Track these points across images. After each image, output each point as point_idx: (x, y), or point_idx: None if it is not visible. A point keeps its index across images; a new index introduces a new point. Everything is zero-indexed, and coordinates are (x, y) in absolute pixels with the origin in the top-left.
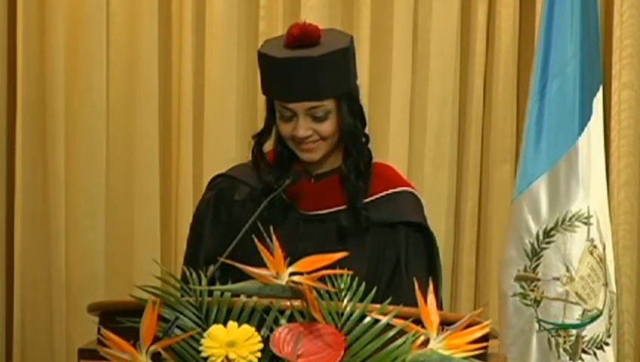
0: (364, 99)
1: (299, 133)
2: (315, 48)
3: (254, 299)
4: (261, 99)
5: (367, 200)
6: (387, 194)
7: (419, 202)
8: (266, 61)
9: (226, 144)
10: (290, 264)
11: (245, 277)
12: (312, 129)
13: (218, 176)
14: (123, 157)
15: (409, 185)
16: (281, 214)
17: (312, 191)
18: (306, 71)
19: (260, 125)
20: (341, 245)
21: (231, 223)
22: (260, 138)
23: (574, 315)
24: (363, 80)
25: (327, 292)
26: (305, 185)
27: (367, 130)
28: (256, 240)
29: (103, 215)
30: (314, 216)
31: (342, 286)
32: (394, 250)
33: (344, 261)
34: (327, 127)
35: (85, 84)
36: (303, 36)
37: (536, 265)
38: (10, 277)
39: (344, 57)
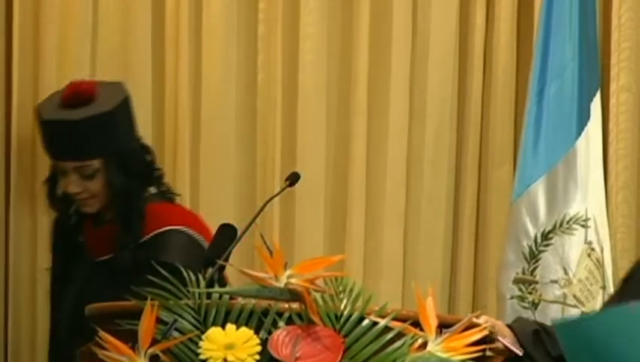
0: (361, 103)
1: (69, 189)
2: (81, 110)
3: (252, 301)
4: (260, 101)
5: (141, 240)
6: (154, 236)
7: (179, 239)
8: (37, 119)
9: (225, 144)
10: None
11: None
12: (82, 186)
13: None
14: None
15: (178, 224)
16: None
17: (96, 238)
18: (67, 132)
19: (260, 128)
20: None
21: None
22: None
23: None
24: (362, 82)
25: (326, 294)
26: (89, 232)
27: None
28: None
29: None
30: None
31: (340, 288)
32: None
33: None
34: (95, 185)
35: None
36: (74, 96)
37: (535, 268)
38: (6, 277)
39: (110, 120)
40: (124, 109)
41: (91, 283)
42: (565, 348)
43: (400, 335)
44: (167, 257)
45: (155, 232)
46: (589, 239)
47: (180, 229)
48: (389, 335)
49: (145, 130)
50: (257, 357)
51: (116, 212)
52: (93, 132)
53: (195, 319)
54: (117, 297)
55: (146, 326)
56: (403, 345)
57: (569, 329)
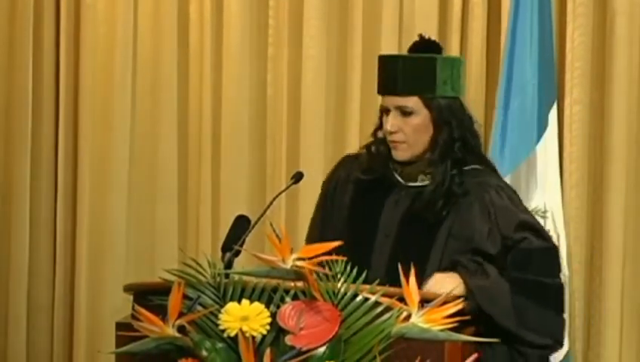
0: (355, 112)
1: None
2: None
3: (264, 280)
4: (269, 112)
5: None
6: None
7: None
8: None
9: (240, 148)
10: None
11: None
12: None
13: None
14: (144, 173)
15: None
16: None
17: None
18: None
19: (269, 134)
20: None
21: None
22: None
23: None
24: (355, 95)
25: (325, 274)
26: None
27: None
28: None
29: (123, 237)
30: None
31: (337, 269)
32: None
33: None
34: None
35: (112, 101)
36: None
37: None
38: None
39: None
40: None
41: None
42: None
43: (388, 309)
44: None
45: None
46: (547, 228)
47: None
48: (379, 309)
49: (172, 137)
50: (268, 327)
51: None
52: None
53: (216, 295)
54: None
55: (174, 302)
56: (390, 317)
57: None
